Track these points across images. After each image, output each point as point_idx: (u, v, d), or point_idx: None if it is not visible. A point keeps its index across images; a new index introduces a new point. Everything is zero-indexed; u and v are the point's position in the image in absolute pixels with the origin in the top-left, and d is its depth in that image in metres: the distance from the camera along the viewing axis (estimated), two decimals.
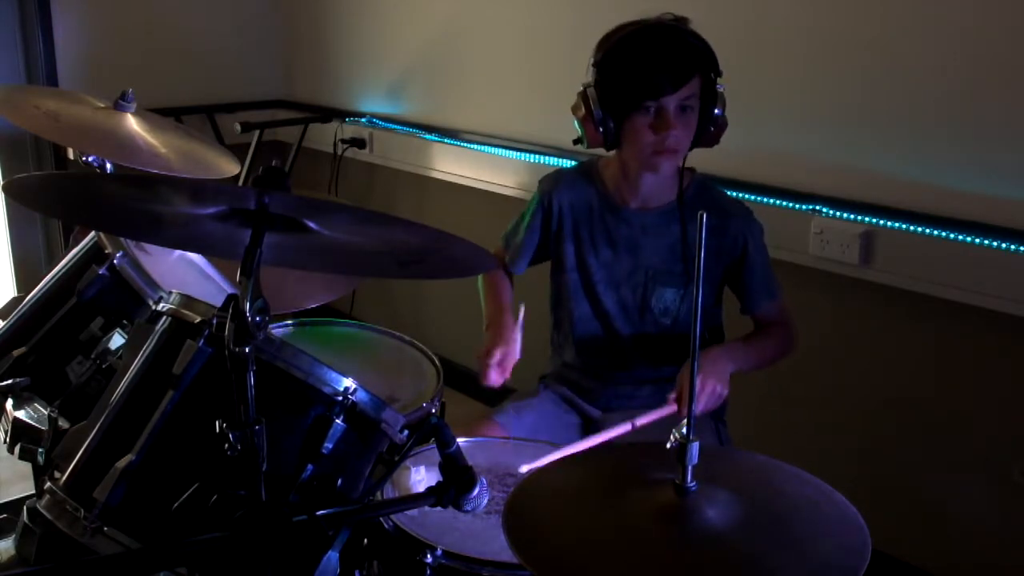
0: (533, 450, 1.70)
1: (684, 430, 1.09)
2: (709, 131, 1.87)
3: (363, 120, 3.77)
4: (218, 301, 1.19)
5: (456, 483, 1.29)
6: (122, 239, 1.64)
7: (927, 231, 2.25)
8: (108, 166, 1.85)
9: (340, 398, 1.30)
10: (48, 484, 1.29)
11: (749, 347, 1.96)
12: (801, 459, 1.24)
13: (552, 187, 2.04)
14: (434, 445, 1.31)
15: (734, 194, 2.13)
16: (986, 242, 2.15)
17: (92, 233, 1.70)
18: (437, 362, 1.88)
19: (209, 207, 1.17)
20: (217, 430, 1.15)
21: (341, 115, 3.84)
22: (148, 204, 1.22)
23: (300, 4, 4.03)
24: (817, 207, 2.43)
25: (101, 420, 1.29)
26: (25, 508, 1.30)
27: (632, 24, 1.84)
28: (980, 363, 2.29)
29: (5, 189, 1.24)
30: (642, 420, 1.75)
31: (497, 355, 1.83)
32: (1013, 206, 2.13)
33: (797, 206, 2.47)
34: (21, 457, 1.55)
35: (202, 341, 1.26)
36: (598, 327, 2.03)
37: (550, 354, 2.17)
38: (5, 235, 3.68)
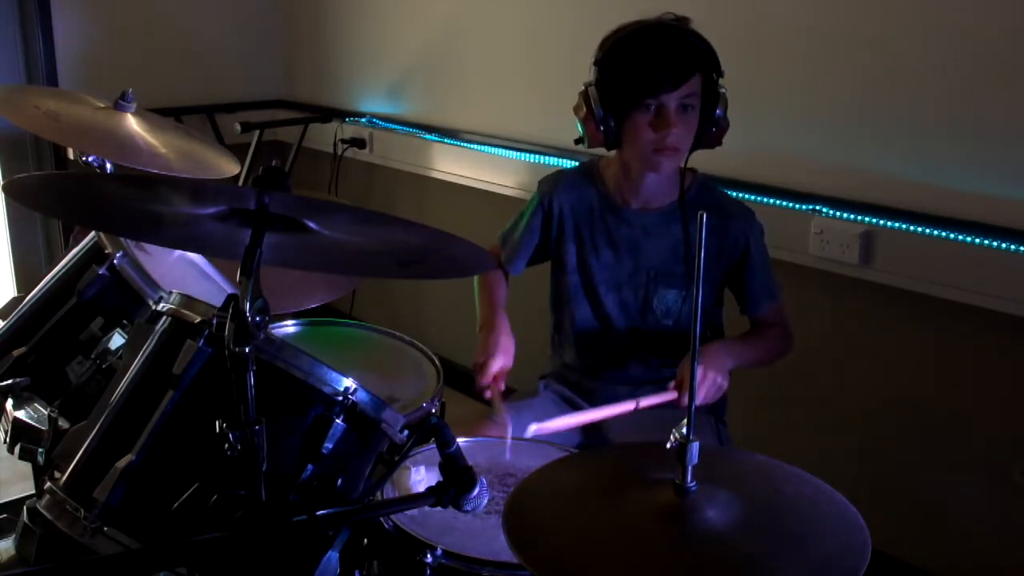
0: (533, 450, 1.70)
1: (684, 430, 1.09)
2: (711, 132, 1.87)
3: (363, 120, 3.77)
4: (218, 301, 1.18)
5: (456, 483, 1.29)
6: (122, 239, 1.64)
7: (927, 231, 2.25)
8: (108, 166, 1.84)
9: (340, 398, 1.30)
10: (48, 484, 1.29)
11: (748, 345, 1.96)
12: (801, 459, 1.24)
13: (552, 188, 2.04)
14: (434, 445, 1.31)
15: (735, 194, 2.14)
16: (986, 242, 2.15)
17: (92, 233, 1.70)
18: (437, 362, 1.88)
19: (209, 207, 1.17)
20: (217, 430, 1.15)
21: (341, 115, 3.84)
22: (148, 204, 1.22)
23: (300, 4, 4.03)
24: (817, 207, 2.43)
25: (101, 420, 1.29)
26: (25, 508, 1.30)
27: (634, 24, 1.84)
28: (980, 363, 2.29)
29: (5, 189, 1.24)
30: (645, 401, 1.80)
31: (493, 368, 1.85)
32: (1013, 206, 2.13)
33: (797, 206, 2.46)
34: (21, 457, 1.54)
35: (202, 341, 1.26)
36: (599, 328, 2.03)
37: (550, 354, 2.17)
38: (5, 235, 3.68)
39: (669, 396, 1.81)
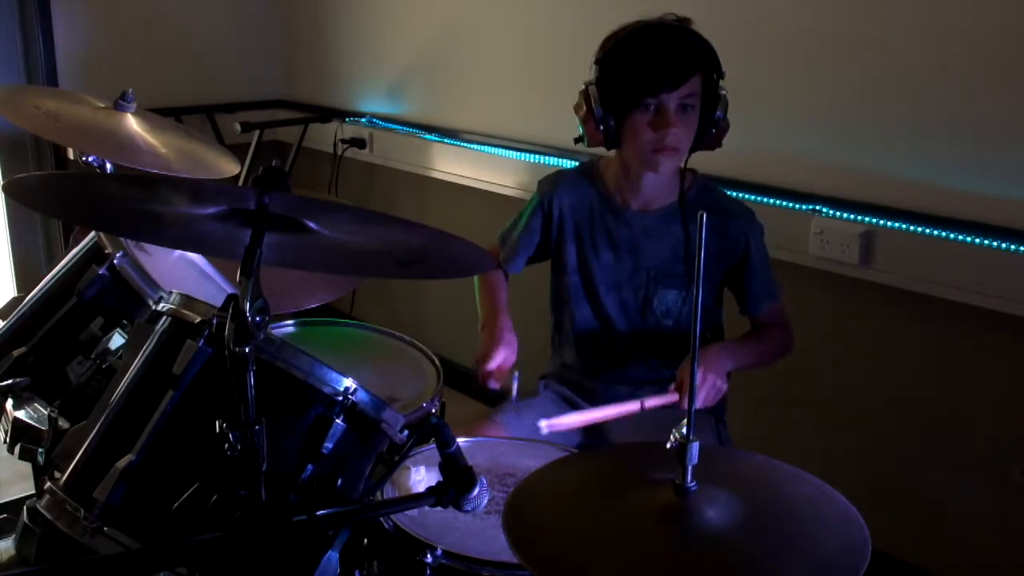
0: (533, 450, 1.70)
1: (684, 430, 1.09)
2: (711, 133, 1.87)
3: (363, 120, 3.77)
4: (218, 301, 1.19)
5: (456, 483, 1.29)
6: (122, 239, 1.64)
7: (927, 231, 2.25)
8: (108, 166, 1.85)
9: (340, 398, 1.30)
10: (48, 484, 1.29)
11: (747, 346, 1.96)
12: (801, 459, 1.24)
13: (552, 189, 2.04)
14: (434, 445, 1.31)
15: (735, 194, 2.14)
16: (986, 242, 2.15)
17: (92, 233, 1.70)
18: (437, 362, 1.88)
19: (209, 207, 1.17)
20: (217, 430, 1.15)
21: (341, 115, 3.84)
22: (148, 204, 1.22)
23: (300, 4, 4.03)
24: (817, 207, 2.43)
25: (101, 420, 1.29)
26: (25, 508, 1.30)
27: (635, 24, 1.84)
28: (980, 363, 2.29)
29: (5, 189, 1.24)
30: (650, 402, 1.80)
31: (497, 359, 1.84)
32: (1013, 206, 2.13)
33: (797, 206, 2.46)
34: (21, 457, 1.54)
35: (202, 341, 1.26)
36: (599, 328, 2.03)
37: (550, 354, 2.17)
38: (5, 235, 3.68)
39: (671, 398, 1.81)
